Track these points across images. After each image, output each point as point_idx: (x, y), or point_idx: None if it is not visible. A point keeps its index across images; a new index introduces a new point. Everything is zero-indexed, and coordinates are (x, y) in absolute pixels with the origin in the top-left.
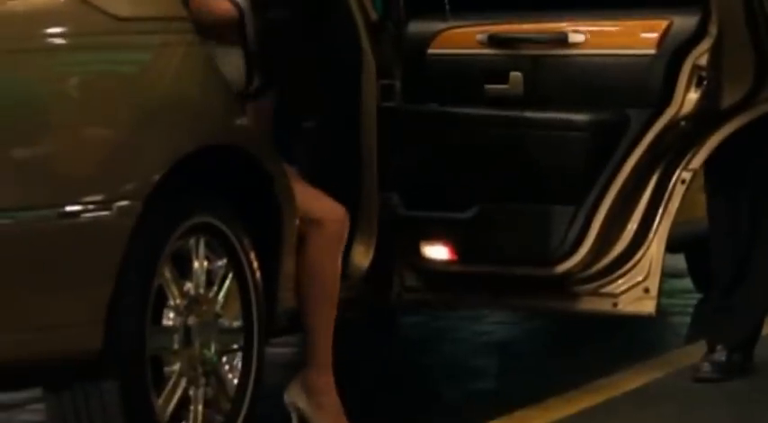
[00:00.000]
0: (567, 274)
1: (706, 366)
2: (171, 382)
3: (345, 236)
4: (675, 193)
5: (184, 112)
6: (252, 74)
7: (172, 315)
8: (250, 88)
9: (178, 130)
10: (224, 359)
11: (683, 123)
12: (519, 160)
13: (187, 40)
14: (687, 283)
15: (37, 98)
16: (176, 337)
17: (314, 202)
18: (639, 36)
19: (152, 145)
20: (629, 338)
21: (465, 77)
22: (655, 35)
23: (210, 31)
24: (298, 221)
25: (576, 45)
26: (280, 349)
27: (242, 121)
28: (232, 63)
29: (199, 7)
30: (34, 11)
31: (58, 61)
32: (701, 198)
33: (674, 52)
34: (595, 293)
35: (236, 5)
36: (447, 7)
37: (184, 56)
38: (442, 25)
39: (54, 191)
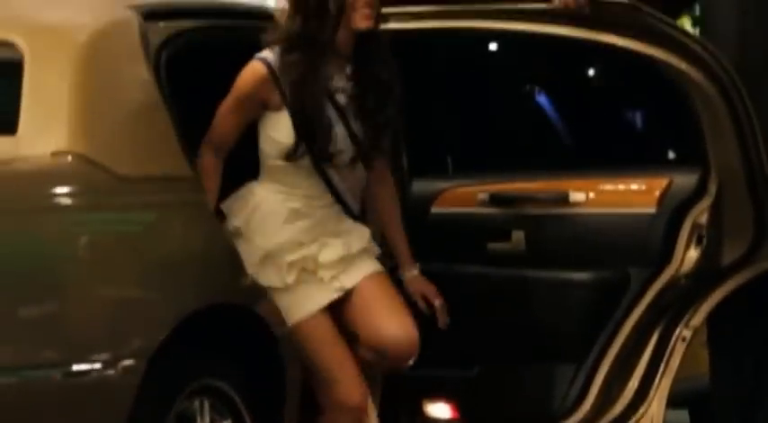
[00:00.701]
0: None
1: None
2: None
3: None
4: (676, 350)
5: (188, 272)
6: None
7: None
8: (296, 148)
9: (182, 290)
10: None
11: (683, 281)
12: (521, 318)
13: (191, 199)
14: None
15: (42, 257)
16: None
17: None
18: (639, 195)
19: (156, 305)
20: None
21: (468, 236)
22: (655, 194)
23: (254, 101)
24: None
25: (577, 204)
26: None
27: (246, 280)
28: (276, 127)
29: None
30: (40, 171)
31: (64, 220)
32: (704, 354)
33: (673, 211)
34: None
35: (266, 64)
36: (450, 167)
37: (188, 215)
38: (445, 184)
39: (60, 350)
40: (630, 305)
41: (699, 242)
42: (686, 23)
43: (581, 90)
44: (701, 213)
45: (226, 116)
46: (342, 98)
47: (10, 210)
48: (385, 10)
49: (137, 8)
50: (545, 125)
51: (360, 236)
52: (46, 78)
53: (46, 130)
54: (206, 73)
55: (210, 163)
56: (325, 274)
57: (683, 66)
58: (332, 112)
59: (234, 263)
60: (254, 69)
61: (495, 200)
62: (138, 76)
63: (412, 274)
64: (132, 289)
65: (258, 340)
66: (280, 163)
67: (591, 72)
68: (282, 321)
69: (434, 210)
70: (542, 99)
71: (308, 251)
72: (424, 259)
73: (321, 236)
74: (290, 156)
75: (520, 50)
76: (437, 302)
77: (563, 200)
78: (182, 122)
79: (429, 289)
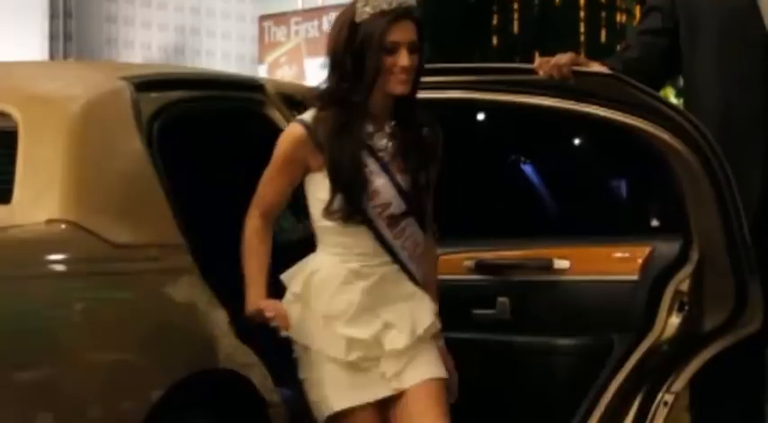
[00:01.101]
0: None
1: None
2: None
3: None
4: (658, 414)
5: (179, 339)
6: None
7: None
8: (331, 201)
9: (173, 357)
10: None
11: (665, 347)
12: (506, 384)
13: (182, 266)
14: None
15: (35, 323)
16: None
17: None
18: (622, 262)
19: (147, 371)
20: None
21: (453, 302)
22: (637, 261)
23: (294, 162)
24: None
25: (561, 271)
26: None
27: (236, 346)
28: (319, 187)
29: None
30: (34, 238)
31: (57, 287)
32: (686, 418)
33: (656, 278)
34: None
35: (303, 124)
36: (436, 235)
37: (180, 282)
38: None
39: (52, 415)
40: (614, 370)
41: (681, 309)
42: (670, 94)
43: (566, 159)
44: (682, 280)
45: (269, 181)
46: (384, 155)
47: (4, 276)
48: None
49: (129, 79)
50: (530, 194)
51: (426, 310)
52: (40, 148)
53: (40, 199)
54: (197, 142)
55: (255, 226)
56: (388, 369)
57: (666, 136)
58: (374, 166)
59: (224, 329)
60: (292, 131)
61: (481, 267)
62: (130, 146)
63: (439, 344)
64: (124, 355)
65: (248, 405)
66: (328, 224)
67: (575, 142)
68: (271, 386)
69: None
70: (528, 168)
71: (371, 329)
72: None
73: (384, 302)
74: (329, 211)
75: (506, 121)
76: (450, 379)
77: (547, 267)
78: (173, 191)
79: (448, 364)
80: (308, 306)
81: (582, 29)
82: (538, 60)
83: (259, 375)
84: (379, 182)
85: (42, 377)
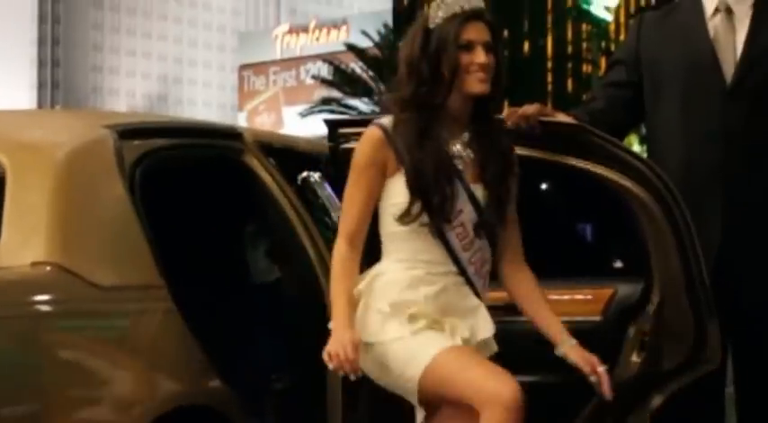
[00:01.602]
0: None
1: None
2: None
3: None
4: None
5: (160, 376)
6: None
7: None
8: (410, 206)
9: (153, 393)
10: None
11: (627, 385)
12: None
13: (164, 307)
14: None
15: (21, 363)
16: None
17: None
18: (586, 304)
19: (129, 407)
20: None
21: None
22: (601, 303)
23: (375, 166)
24: None
25: None
26: None
27: (215, 383)
28: (393, 191)
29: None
30: (20, 279)
31: (42, 328)
32: None
33: (618, 318)
34: None
35: (381, 127)
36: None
37: (161, 322)
38: None
39: None
40: (577, 407)
41: (642, 348)
42: (633, 141)
43: (533, 205)
44: (644, 321)
45: (350, 198)
46: (459, 163)
47: None
48: (346, 130)
49: (112, 127)
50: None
51: (485, 326)
52: (27, 193)
53: (26, 242)
54: (177, 188)
55: (341, 255)
56: (453, 327)
57: (629, 184)
58: (451, 171)
59: (203, 367)
60: (370, 134)
61: None
62: (113, 191)
63: (572, 343)
64: (107, 392)
65: None
66: (398, 229)
67: (542, 188)
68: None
69: None
70: None
71: (432, 314)
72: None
73: (445, 312)
74: (406, 216)
75: None
76: (600, 369)
77: (514, 308)
78: (154, 234)
79: (591, 357)
80: (370, 307)
81: (550, 79)
82: (506, 111)
83: (237, 411)
84: (454, 186)
85: (29, 415)
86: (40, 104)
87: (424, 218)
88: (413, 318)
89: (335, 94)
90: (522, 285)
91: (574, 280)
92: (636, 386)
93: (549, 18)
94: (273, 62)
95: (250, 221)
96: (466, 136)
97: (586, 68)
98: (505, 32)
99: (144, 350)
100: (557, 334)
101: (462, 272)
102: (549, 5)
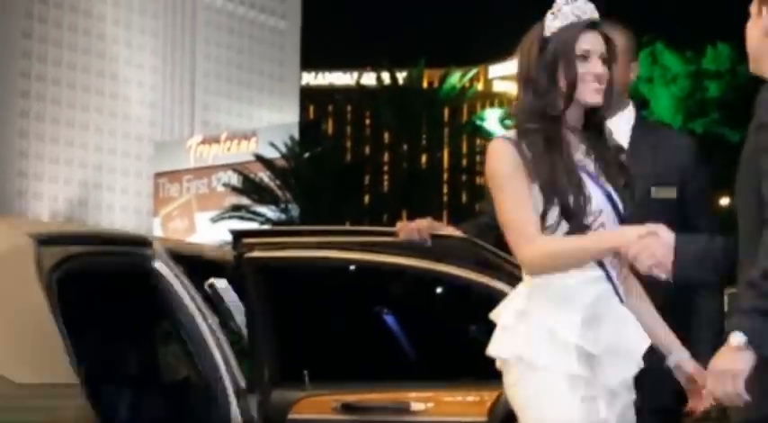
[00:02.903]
0: None
1: None
2: None
3: None
4: None
5: None
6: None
7: None
8: (545, 213)
9: None
10: None
11: None
12: None
13: (77, 404)
14: None
15: None
16: None
17: None
18: (473, 405)
19: None
20: None
21: None
22: (486, 404)
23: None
24: None
25: (418, 413)
26: None
27: None
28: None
29: None
30: None
31: None
32: None
33: (502, 419)
34: None
35: (508, 139)
36: (306, 378)
37: (75, 418)
38: (302, 393)
39: None
40: None
41: None
42: None
43: (424, 311)
44: None
45: (515, 203)
46: (584, 172)
47: None
48: (250, 240)
49: (33, 235)
50: (392, 342)
51: (641, 336)
52: None
53: None
54: (92, 291)
55: (544, 242)
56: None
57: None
58: (583, 175)
59: None
60: (500, 145)
61: (347, 408)
62: (31, 296)
63: (684, 355)
64: None
65: None
66: None
67: (432, 295)
68: None
69: (291, 416)
70: (390, 319)
71: (598, 346)
72: None
73: (599, 322)
74: (543, 225)
75: (371, 276)
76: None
77: (406, 409)
78: (71, 335)
79: (702, 373)
80: (531, 320)
81: (445, 189)
82: (399, 224)
83: None
84: (592, 190)
85: None
86: None
87: (564, 225)
88: (579, 360)
89: (245, 201)
90: (632, 296)
91: (462, 382)
92: None
93: (446, 132)
94: (187, 170)
95: (159, 324)
96: (583, 148)
97: (479, 180)
98: (404, 146)
99: None
100: (672, 344)
101: (609, 278)
102: (446, 120)
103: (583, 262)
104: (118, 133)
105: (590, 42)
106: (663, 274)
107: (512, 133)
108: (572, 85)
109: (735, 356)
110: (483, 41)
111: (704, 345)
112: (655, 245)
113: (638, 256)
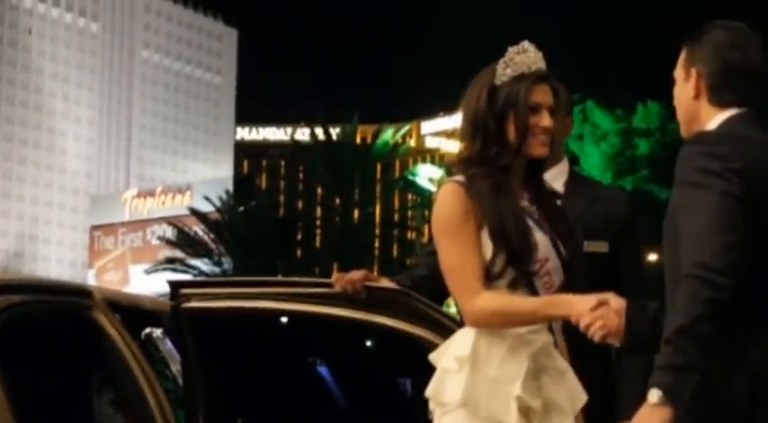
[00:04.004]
0: None
1: None
2: None
3: None
4: None
5: None
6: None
7: None
8: (493, 260)
9: None
10: None
11: None
12: None
13: None
14: None
15: None
16: None
17: None
18: None
19: None
20: None
21: None
22: None
23: (469, 219)
24: None
25: None
26: None
27: None
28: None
29: None
30: None
31: None
32: None
33: None
34: None
35: (458, 183)
36: None
37: None
38: None
39: None
40: None
41: None
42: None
43: (357, 362)
44: None
45: (459, 253)
46: (530, 218)
47: None
48: (187, 291)
49: None
50: (326, 392)
51: (580, 388)
52: None
53: None
54: (30, 340)
55: (488, 295)
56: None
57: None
58: (530, 222)
59: None
60: (451, 189)
61: None
62: None
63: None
64: None
65: None
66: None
67: (366, 346)
68: None
69: None
70: (323, 369)
71: (538, 401)
72: None
73: (543, 373)
74: (490, 271)
75: (306, 327)
76: None
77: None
78: (9, 383)
79: None
80: (477, 369)
81: (377, 244)
82: (334, 275)
83: None
84: (539, 237)
85: None
86: None
87: (511, 272)
88: (521, 413)
89: (179, 254)
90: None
91: None
92: None
93: (378, 187)
94: (122, 223)
95: (96, 372)
96: (526, 196)
97: (411, 235)
98: (337, 200)
99: None
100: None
101: (550, 329)
102: (378, 176)
103: (528, 324)
104: (54, 186)
105: (541, 95)
106: (616, 342)
107: (461, 177)
108: (522, 137)
109: (653, 412)
110: (415, 98)
111: (629, 401)
112: (607, 315)
113: (590, 328)
